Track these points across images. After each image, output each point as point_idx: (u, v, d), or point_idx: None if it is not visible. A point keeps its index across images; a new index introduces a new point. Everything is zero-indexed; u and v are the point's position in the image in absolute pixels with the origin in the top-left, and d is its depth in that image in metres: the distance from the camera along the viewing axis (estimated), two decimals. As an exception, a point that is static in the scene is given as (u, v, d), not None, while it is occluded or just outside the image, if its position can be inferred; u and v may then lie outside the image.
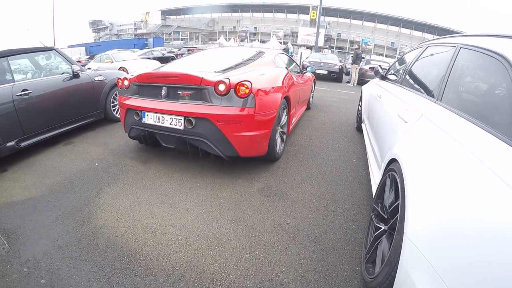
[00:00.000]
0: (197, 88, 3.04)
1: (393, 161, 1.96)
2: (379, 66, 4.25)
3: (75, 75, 4.67)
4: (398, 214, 1.51)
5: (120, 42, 42.12)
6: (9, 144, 3.71)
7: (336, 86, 13.01)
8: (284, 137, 4.02)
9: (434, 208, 1.29)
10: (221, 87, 2.89)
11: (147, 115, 3.30)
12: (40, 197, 3.05)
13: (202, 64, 4.23)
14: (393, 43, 57.04)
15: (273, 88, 3.38)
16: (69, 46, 41.54)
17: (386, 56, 47.42)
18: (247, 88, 2.90)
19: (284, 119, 3.88)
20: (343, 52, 47.31)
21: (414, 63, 3.11)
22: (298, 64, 6.42)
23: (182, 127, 3.07)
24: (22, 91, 3.84)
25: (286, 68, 4.74)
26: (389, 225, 1.73)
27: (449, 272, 1.12)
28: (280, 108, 3.49)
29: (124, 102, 3.60)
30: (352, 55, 15.80)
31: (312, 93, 7.44)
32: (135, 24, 76.07)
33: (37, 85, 4.12)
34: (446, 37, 2.66)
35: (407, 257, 1.32)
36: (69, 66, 4.76)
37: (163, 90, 3.22)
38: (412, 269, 1.27)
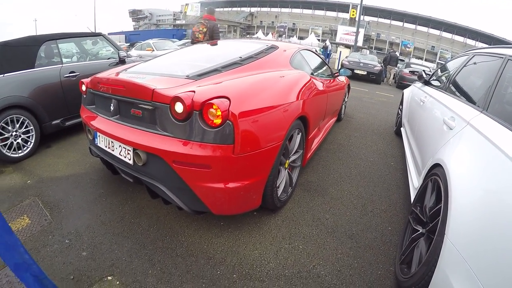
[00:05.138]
0: (147, 105, 2.07)
1: (436, 166, 2.00)
2: (423, 71, 4.21)
3: (122, 61, 4.82)
4: (440, 216, 1.57)
5: (159, 32, 42.88)
6: (54, 122, 3.96)
7: (375, 87, 12.84)
8: (296, 173, 2.93)
9: (476, 213, 1.35)
10: (178, 108, 1.86)
11: (99, 136, 2.48)
12: (83, 174, 3.19)
13: (182, 63, 3.11)
14: (434, 47, 54.94)
15: (275, 107, 2.25)
16: (109, 34, 42.78)
17: (425, 60, 45.73)
18: (220, 110, 1.82)
19: (296, 146, 2.75)
20: (381, 53, 46.11)
21: (460, 70, 3.08)
22: (328, 63, 4.73)
23: (131, 162, 2.18)
24: (69, 73, 4.09)
25: (312, 73, 3.61)
26: (428, 228, 1.79)
27: (487, 274, 1.19)
28: (288, 136, 2.43)
29: (81, 113, 2.86)
30: (385, 56, 16.11)
31: (345, 102, 6.01)
32: (174, 15, 77.51)
33: (84, 68, 4.33)
34: (494, 47, 2.63)
35: (446, 258, 1.39)
36: (115, 51, 5.02)
37: (112, 104, 2.37)
38: (451, 270, 1.34)
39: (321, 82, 3.57)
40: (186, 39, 30.25)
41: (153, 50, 13.75)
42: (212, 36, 5.91)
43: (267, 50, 3.09)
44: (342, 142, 4.68)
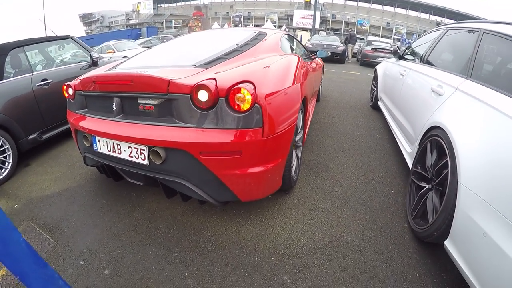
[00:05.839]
0: (162, 98, 1.95)
1: (432, 128, 2.27)
2: (397, 47, 4.51)
3: (94, 63, 4.55)
4: (449, 168, 1.82)
5: (114, 34, 41.04)
6: (31, 137, 3.59)
7: (341, 67, 13.29)
8: (300, 152, 2.98)
9: (482, 157, 1.61)
10: (202, 96, 1.80)
11: (98, 141, 2.29)
12: (76, 187, 2.94)
13: (179, 54, 2.96)
14: (389, 23, 56.33)
15: (288, 88, 2.28)
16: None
17: (382, 36, 47.15)
18: (249, 94, 1.80)
19: (300, 127, 2.85)
20: (338, 34, 46.81)
21: (437, 44, 3.35)
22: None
23: (147, 162, 2.04)
24: (41, 81, 3.77)
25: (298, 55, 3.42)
26: (436, 182, 2.04)
27: (503, 203, 1.40)
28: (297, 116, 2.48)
29: (70, 119, 2.64)
30: (346, 36, 17.71)
31: (321, 82, 6.31)
32: (126, 15, 74.90)
33: (57, 74, 4.02)
34: (466, 22, 2.96)
35: (463, 201, 1.63)
36: (86, 54, 4.71)
37: (114, 103, 2.17)
38: (470, 208, 1.57)
39: (307, 64, 3.66)
40: (142, 38, 29.53)
41: (114, 52, 12.99)
42: (206, 27, 6.78)
43: (259, 36, 3.12)
44: (326, 121, 4.92)
